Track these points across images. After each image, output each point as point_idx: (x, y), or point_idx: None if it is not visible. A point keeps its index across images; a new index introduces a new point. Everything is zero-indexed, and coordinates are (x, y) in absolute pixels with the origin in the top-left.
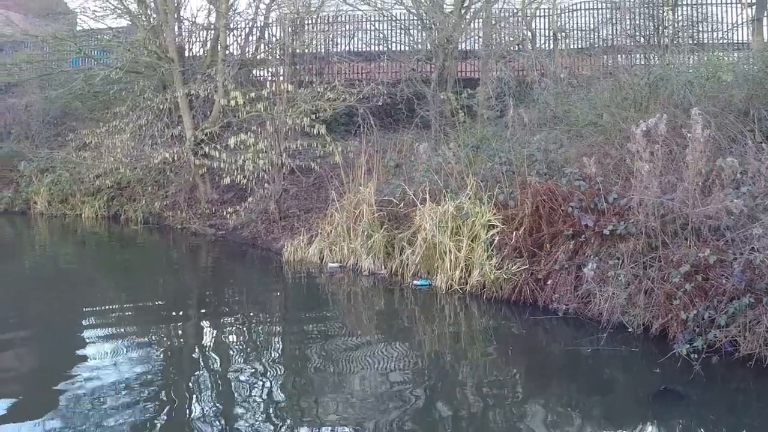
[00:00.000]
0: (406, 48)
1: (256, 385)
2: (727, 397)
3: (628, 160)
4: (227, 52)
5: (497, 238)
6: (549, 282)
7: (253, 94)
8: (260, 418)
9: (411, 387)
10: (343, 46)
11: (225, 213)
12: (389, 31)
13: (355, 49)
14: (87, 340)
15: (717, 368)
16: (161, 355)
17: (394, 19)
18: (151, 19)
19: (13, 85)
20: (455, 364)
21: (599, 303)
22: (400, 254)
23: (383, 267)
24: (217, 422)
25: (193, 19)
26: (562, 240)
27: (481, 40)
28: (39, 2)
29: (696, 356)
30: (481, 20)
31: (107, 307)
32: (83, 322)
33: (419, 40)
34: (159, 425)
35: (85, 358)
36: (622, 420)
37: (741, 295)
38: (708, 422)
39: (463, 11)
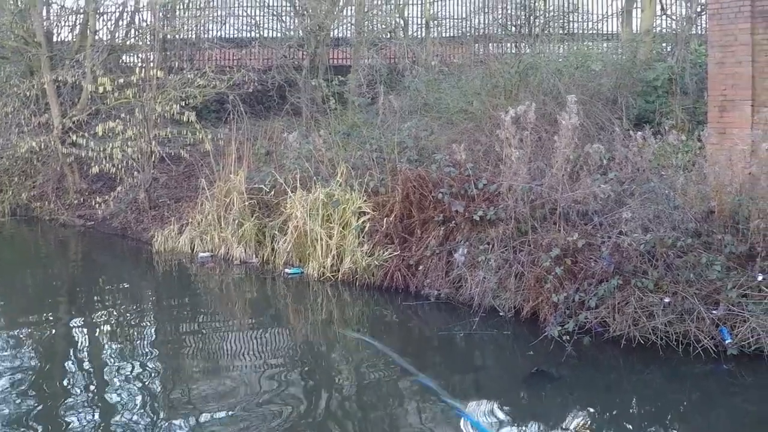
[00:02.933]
0: (278, 34)
1: (130, 377)
2: (599, 376)
3: (497, 147)
4: (96, 37)
5: (368, 225)
6: (420, 268)
7: (122, 81)
8: (136, 411)
9: (284, 372)
10: (215, 32)
11: (94, 203)
12: (261, 18)
13: (227, 36)
14: None
15: (588, 349)
16: (31, 351)
17: (266, 5)
18: (19, 2)
19: None
20: (328, 351)
21: (470, 288)
22: (272, 242)
23: (255, 256)
24: (91, 417)
25: (62, 3)
26: (432, 226)
27: (353, 27)
28: None
29: (567, 338)
30: (353, 7)
31: None
32: None
33: (291, 27)
34: (31, 422)
35: None
36: (496, 401)
37: (609, 277)
38: (581, 401)
39: None
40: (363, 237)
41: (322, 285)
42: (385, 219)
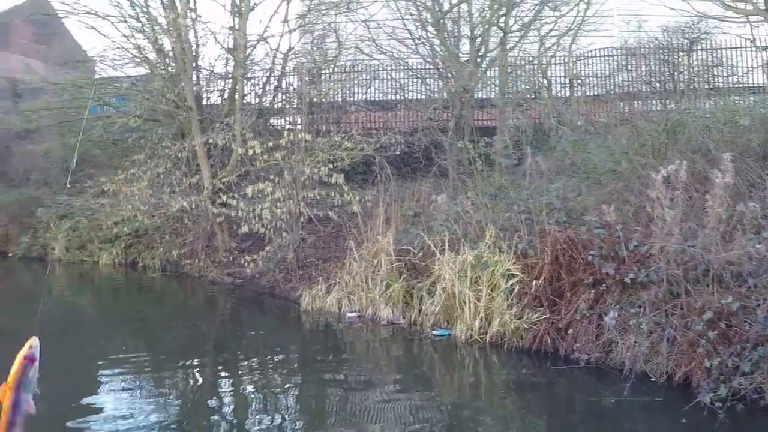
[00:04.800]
0: (423, 97)
1: (270, 429)
2: None
3: (648, 207)
4: (245, 101)
5: (517, 287)
6: (570, 331)
7: (270, 144)
8: None
9: None
10: (360, 95)
11: (243, 261)
12: (406, 80)
13: (372, 98)
14: (103, 389)
15: (742, 416)
16: (178, 405)
17: (410, 68)
18: (169, 68)
19: (32, 132)
20: (476, 416)
21: (621, 352)
22: (419, 304)
23: (402, 317)
24: None
25: (211, 68)
26: (582, 289)
27: (497, 88)
28: (58, 50)
29: (720, 405)
30: (497, 68)
31: (124, 355)
32: (99, 371)
33: (435, 89)
34: None
35: (101, 408)
36: None
37: (765, 341)
38: None
39: (479, 59)
40: (512, 299)
41: (469, 347)
42: (534, 281)
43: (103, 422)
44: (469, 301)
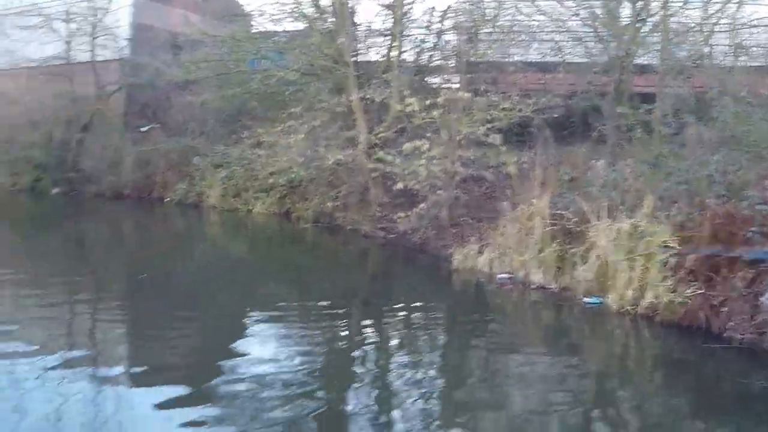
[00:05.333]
0: (582, 60)
1: (412, 390)
2: None
3: None
4: (402, 58)
5: (673, 260)
6: (724, 309)
7: (428, 101)
8: (413, 424)
9: (570, 407)
10: (518, 56)
11: (395, 217)
12: (565, 42)
13: (530, 59)
14: (251, 333)
15: None
16: (323, 353)
17: (569, 30)
18: (327, 24)
19: (191, 83)
20: (619, 388)
21: None
22: (572, 270)
23: (553, 282)
24: (370, 424)
25: (369, 25)
26: (740, 266)
27: (658, 54)
28: (217, 4)
29: None
30: (658, 33)
31: (274, 301)
32: (250, 315)
33: (595, 52)
34: (312, 421)
35: (247, 351)
36: None
37: None
38: None
39: (639, 24)
40: (666, 272)
41: (620, 317)
42: (690, 255)
43: (249, 365)
44: (623, 271)
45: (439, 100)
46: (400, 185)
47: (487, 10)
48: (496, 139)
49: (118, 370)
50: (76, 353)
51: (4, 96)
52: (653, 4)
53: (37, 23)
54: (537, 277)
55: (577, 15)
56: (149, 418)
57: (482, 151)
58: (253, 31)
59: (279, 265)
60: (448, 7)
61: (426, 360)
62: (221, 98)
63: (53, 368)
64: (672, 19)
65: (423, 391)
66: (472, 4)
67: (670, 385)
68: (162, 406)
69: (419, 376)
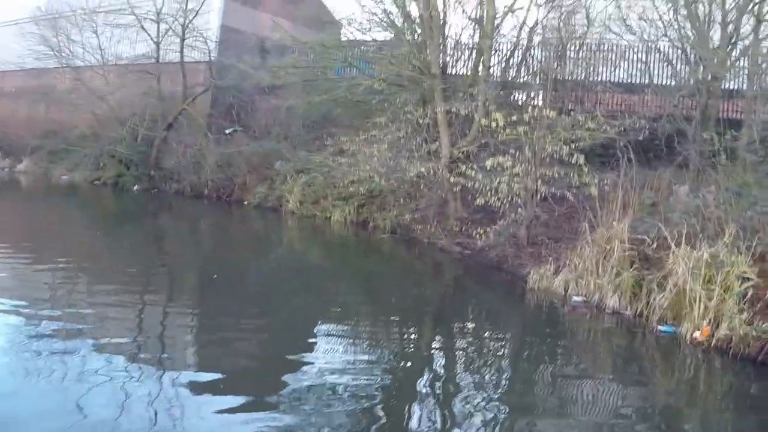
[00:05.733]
0: (670, 82)
1: (477, 407)
2: None
3: None
4: (489, 72)
5: (751, 291)
6: None
7: (514, 117)
8: None
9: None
10: (605, 75)
11: (473, 232)
12: (653, 63)
13: (617, 79)
14: (321, 340)
15: None
16: (390, 363)
17: (658, 50)
18: (416, 35)
19: (277, 88)
20: (686, 422)
21: None
22: (648, 296)
23: (628, 307)
24: None
25: (457, 38)
26: None
27: (747, 78)
28: (307, 11)
29: None
30: (748, 58)
31: (346, 309)
32: (320, 322)
33: (683, 75)
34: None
35: (315, 358)
36: None
37: None
38: None
39: (729, 47)
40: (744, 304)
41: (693, 348)
42: None
43: (317, 374)
44: (700, 300)
45: (525, 116)
46: (480, 201)
47: (575, 28)
48: (579, 158)
49: (185, 372)
50: (144, 352)
51: (93, 92)
52: (744, 27)
53: (128, 22)
54: (612, 302)
55: (667, 36)
56: (213, 424)
57: (565, 170)
58: (341, 39)
59: (353, 274)
60: (536, 23)
61: (493, 381)
62: (307, 104)
63: (121, 366)
64: (763, 43)
65: (487, 414)
66: (560, 21)
67: (739, 420)
68: (226, 412)
69: (485, 397)
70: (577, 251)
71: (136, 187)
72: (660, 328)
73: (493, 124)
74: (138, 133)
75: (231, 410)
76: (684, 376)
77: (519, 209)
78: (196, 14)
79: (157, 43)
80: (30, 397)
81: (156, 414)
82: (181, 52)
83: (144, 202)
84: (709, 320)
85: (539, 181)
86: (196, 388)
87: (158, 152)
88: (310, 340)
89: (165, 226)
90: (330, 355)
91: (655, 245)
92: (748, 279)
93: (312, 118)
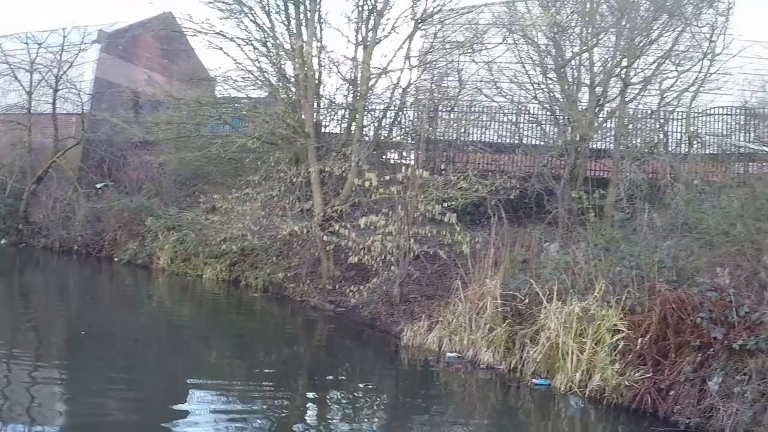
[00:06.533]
0: (539, 142)
1: None
2: None
3: (762, 274)
4: (362, 132)
5: (622, 343)
6: (672, 393)
7: (388, 177)
8: None
9: None
10: (477, 136)
11: (347, 291)
12: (523, 125)
13: (488, 140)
14: (190, 398)
15: None
16: (261, 423)
17: (528, 112)
18: (290, 94)
19: (149, 143)
20: None
21: (722, 419)
22: (521, 351)
23: (502, 362)
24: None
25: (332, 98)
26: (688, 350)
27: (613, 139)
28: (182, 67)
29: None
30: (615, 120)
31: (216, 369)
32: (189, 381)
33: (552, 136)
34: None
35: (185, 414)
36: None
37: None
38: None
39: (597, 109)
40: (615, 355)
41: (567, 399)
42: (639, 339)
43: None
44: (572, 353)
45: (398, 176)
46: (353, 259)
47: (447, 89)
48: (451, 217)
49: (52, 429)
50: (8, 408)
51: None
52: (611, 90)
53: (0, 71)
54: (486, 357)
55: (536, 98)
56: None
57: (437, 228)
58: (216, 95)
59: (224, 332)
60: (410, 84)
61: None
62: (179, 161)
63: None
64: (629, 106)
65: None
66: (433, 83)
67: None
68: None
69: None
70: (450, 308)
71: (2, 241)
72: (534, 381)
73: (366, 184)
74: (6, 185)
75: None
76: (560, 426)
77: (392, 267)
78: (71, 65)
79: (30, 94)
80: None
81: None
82: (54, 103)
83: (11, 256)
84: (582, 372)
85: (412, 240)
86: None
87: (27, 205)
88: (181, 399)
89: (32, 282)
90: (200, 414)
91: (527, 301)
92: (619, 331)
93: (184, 174)
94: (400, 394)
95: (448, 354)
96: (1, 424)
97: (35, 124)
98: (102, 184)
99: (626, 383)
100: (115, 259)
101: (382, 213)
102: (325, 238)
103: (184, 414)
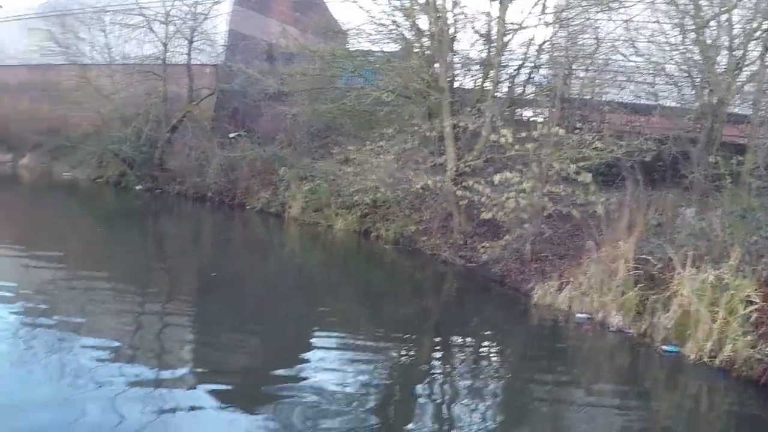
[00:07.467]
0: (676, 105)
1: (473, 421)
2: None
3: None
4: (497, 88)
5: (755, 315)
6: None
7: (523, 134)
8: None
9: None
10: (612, 96)
11: (478, 246)
12: (659, 86)
13: (623, 100)
14: (316, 345)
15: None
16: (386, 372)
17: (666, 73)
18: (424, 48)
19: (282, 94)
20: None
21: None
22: (652, 316)
23: (632, 326)
24: None
25: (466, 53)
26: None
27: (753, 104)
28: (315, 19)
29: None
30: (754, 84)
31: (343, 317)
32: (316, 328)
33: (690, 98)
34: None
35: (309, 361)
36: None
37: None
38: None
39: (736, 73)
40: (748, 326)
41: (696, 368)
42: None
43: (311, 376)
44: (704, 322)
45: (534, 133)
46: (487, 215)
47: (584, 48)
48: (587, 177)
49: (180, 370)
50: (139, 351)
51: (98, 91)
52: (751, 53)
53: (136, 23)
54: (616, 320)
55: (674, 59)
56: (208, 425)
57: (571, 188)
58: (350, 48)
59: (353, 281)
60: (544, 41)
61: (490, 392)
62: (312, 112)
63: (115, 365)
64: None
65: (483, 422)
66: (569, 41)
67: None
68: (220, 408)
69: (482, 411)
70: (581, 268)
71: (138, 187)
72: (664, 347)
73: (502, 140)
74: (142, 133)
75: (226, 410)
76: (686, 395)
77: (524, 225)
78: (205, 17)
79: (165, 45)
80: (25, 387)
81: (147, 414)
82: (189, 54)
83: (146, 202)
84: (713, 341)
85: (546, 198)
86: (192, 385)
87: (162, 153)
88: (307, 345)
89: (166, 227)
90: (326, 361)
91: (660, 265)
92: (753, 302)
93: (317, 126)
94: (527, 352)
95: (578, 315)
96: (132, 365)
97: (170, 75)
98: (235, 133)
99: (757, 356)
100: (248, 207)
101: (516, 170)
102: (458, 192)
103: (310, 360)
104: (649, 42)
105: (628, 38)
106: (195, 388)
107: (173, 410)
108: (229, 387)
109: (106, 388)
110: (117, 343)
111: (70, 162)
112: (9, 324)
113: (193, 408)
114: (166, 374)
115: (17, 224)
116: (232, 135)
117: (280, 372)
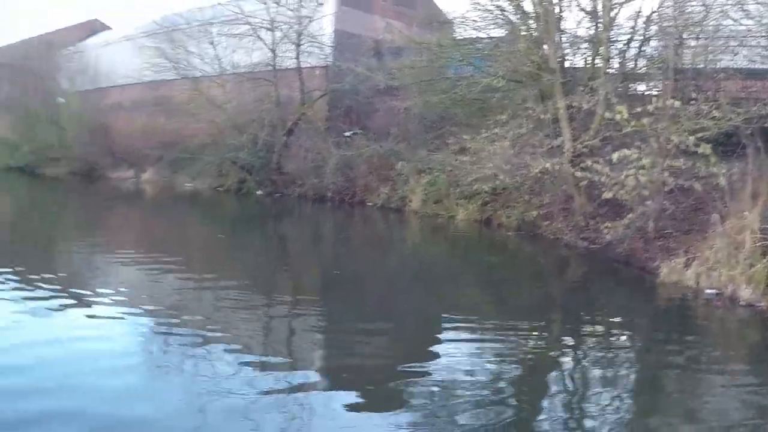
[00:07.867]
0: None
1: (606, 407)
2: None
3: None
4: (608, 64)
5: None
6: None
7: (639, 109)
8: None
9: None
10: (726, 62)
11: (600, 227)
12: None
13: (737, 66)
14: (444, 338)
15: None
16: (517, 363)
17: None
18: (531, 30)
19: (393, 89)
20: None
21: None
22: None
23: (763, 299)
24: None
25: (574, 31)
26: None
27: None
28: (419, 12)
29: None
30: None
31: (470, 308)
32: (443, 321)
33: None
34: (504, 430)
35: (438, 355)
36: None
37: None
38: None
39: None
40: None
41: None
42: None
43: (441, 370)
44: None
45: (649, 107)
46: (608, 194)
47: (691, 15)
48: (706, 148)
49: (311, 369)
50: (270, 354)
51: (211, 101)
52: None
53: (243, 32)
54: (746, 294)
55: None
56: (343, 423)
57: (691, 161)
58: (455, 37)
59: (477, 271)
60: (652, 11)
61: (623, 377)
62: (424, 104)
63: (249, 368)
64: None
65: (616, 410)
66: (676, 9)
67: None
68: (355, 412)
69: (614, 396)
70: (707, 243)
71: (259, 192)
72: None
73: (617, 117)
74: (258, 139)
75: (359, 410)
76: None
77: (646, 202)
78: (310, 20)
79: (273, 51)
80: (160, 397)
81: (283, 410)
82: (298, 57)
83: (267, 206)
84: None
85: (666, 173)
86: (323, 385)
87: (279, 157)
88: (435, 339)
89: (289, 228)
90: (455, 352)
91: None
92: None
93: (429, 117)
94: (655, 333)
95: (707, 291)
96: (264, 371)
97: (281, 80)
98: (351, 132)
99: None
100: (368, 204)
101: (634, 146)
102: (577, 174)
103: (438, 354)
104: (758, 3)
105: (737, 1)
106: (326, 390)
107: (308, 415)
108: (360, 386)
109: (239, 396)
110: (247, 349)
111: (190, 173)
112: (143, 334)
113: (326, 411)
114: (297, 378)
115: (144, 235)
116: (347, 134)
117: (409, 367)
